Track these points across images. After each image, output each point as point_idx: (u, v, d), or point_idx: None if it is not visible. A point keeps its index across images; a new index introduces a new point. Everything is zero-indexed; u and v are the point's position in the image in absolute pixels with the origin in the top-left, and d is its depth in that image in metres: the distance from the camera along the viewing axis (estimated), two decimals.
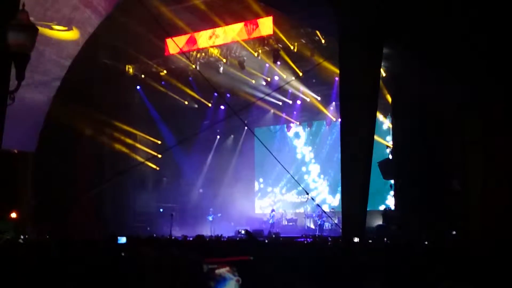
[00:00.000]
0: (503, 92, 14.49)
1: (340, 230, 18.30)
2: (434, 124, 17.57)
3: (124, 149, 25.52)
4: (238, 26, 21.80)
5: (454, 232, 14.45)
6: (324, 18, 14.18)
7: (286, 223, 26.23)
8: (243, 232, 14.65)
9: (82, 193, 22.63)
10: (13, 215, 21.08)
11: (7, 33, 6.76)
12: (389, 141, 22.63)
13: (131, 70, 25.25)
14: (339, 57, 14.43)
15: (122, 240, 9.38)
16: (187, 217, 25.18)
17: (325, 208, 24.37)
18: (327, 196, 26.53)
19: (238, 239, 15.39)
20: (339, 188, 25.13)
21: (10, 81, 7.63)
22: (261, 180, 29.08)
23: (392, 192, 21.30)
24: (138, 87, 26.16)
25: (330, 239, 14.37)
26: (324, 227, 23.36)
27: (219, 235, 15.09)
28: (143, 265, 6.70)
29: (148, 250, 7.54)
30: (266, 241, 14.11)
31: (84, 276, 6.79)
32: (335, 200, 25.83)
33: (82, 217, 21.68)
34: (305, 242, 12.03)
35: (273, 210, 26.52)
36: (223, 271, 4.41)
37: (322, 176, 27.11)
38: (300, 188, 26.75)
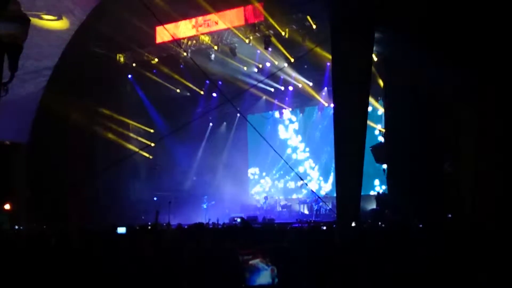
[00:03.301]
0: (496, 74, 14.52)
1: (335, 215, 18.48)
2: (426, 108, 17.60)
3: (117, 138, 25.48)
4: (228, 13, 21.72)
5: (449, 215, 14.53)
6: (316, 3, 14.16)
7: (280, 209, 26.31)
8: (238, 220, 14.69)
9: (75, 183, 22.63)
10: (7, 206, 21.07)
11: None
12: (381, 125, 22.68)
13: (122, 59, 25.10)
14: (331, 41, 14.38)
15: (122, 230, 9.34)
16: (182, 205, 25.16)
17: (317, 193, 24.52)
18: (320, 182, 26.58)
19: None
20: (332, 173, 25.82)
21: (2, 72, 7.59)
22: (254, 166, 29.13)
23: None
24: (129, 75, 26.06)
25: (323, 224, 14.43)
26: (320, 213, 23.48)
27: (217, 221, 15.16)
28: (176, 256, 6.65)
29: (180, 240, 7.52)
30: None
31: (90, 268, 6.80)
32: (327, 186, 26.03)
33: (76, 207, 21.70)
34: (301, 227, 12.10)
35: (266, 197, 26.67)
36: (257, 261, 4.39)
37: (314, 161, 27.19)
38: (292, 174, 26.99)
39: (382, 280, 7.19)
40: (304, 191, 26.65)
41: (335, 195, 23.63)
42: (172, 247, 7.32)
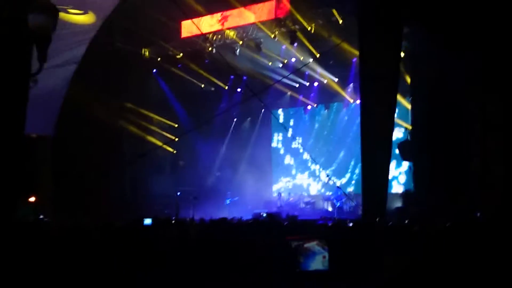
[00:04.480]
0: None
1: (359, 212, 18.32)
2: (454, 105, 17.32)
3: (141, 133, 25.61)
4: (255, 7, 21.64)
5: (478, 214, 14.27)
6: None
7: (303, 205, 26.15)
8: (265, 215, 14.64)
9: (99, 176, 22.77)
10: (32, 199, 21.23)
11: (28, 15, 6.71)
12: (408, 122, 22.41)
13: (147, 53, 25.23)
14: (358, 37, 14.22)
15: (148, 221, 9.39)
16: (204, 200, 25.20)
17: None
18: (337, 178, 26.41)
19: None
20: (349, 170, 25.73)
21: (31, 63, 7.62)
22: (278, 162, 29.07)
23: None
24: (154, 70, 26.15)
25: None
26: (343, 210, 23.30)
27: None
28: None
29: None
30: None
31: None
32: (342, 182, 25.91)
33: (99, 200, 21.83)
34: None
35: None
36: (313, 244, 4.26)
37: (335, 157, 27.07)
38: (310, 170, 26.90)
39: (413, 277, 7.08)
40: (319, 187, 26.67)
41: (350, 191, 23.96)
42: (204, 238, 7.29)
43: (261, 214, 17.79)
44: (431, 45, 17.44)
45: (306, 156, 27.25)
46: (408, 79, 20.35)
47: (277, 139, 29.12)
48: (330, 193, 25.34)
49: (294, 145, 28.04)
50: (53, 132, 22.84)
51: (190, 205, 22.37)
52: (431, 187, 17.95)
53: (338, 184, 23.93)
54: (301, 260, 4.31)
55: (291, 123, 28.57)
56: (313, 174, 27.69)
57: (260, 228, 8.21)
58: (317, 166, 26.69)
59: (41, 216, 16.00)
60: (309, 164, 27.65)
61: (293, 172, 28.48)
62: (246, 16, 21.77)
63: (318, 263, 4.48)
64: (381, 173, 14.07)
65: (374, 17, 13.49)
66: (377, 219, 11.61)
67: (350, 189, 25.21)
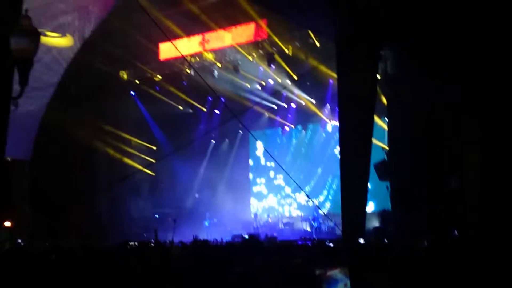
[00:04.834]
0: (501, 90, 14.55)
1: (337, 232, 18.36)
2: (430, 124, 17.57)
3: (119, 155, 25.47)
4: (232, 30, 21.81)
5: (455, 232, 14.44)
6: (322, 20, 14.20)
7: (282, 226, 26.18)
8: (247, 237, 14.64)
9: (77, 200, 22.54)
10: (7, 223, 20.89)
11: (10, 38, 6.72)
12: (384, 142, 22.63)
13: (125, 76, 25.18)
14: (336, 59, 14.42)
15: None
16: (183, 222, 25.07)
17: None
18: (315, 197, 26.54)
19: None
20: (327, 186, 25.87)
21: (12, 87, 7.60)
22: (256, 183, 29.10)
23: None
24: (132, 92, 26.11)
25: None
26: (321, 230, 23.38)
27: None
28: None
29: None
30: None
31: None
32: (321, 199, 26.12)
33: (77, 224, 21.60)
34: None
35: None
36: (335, 272, 4.29)
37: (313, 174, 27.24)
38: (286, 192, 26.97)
39: None
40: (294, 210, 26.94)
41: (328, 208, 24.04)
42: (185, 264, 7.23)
43: (243, 235, 17.77)
44: (407, 66, 17.75)
45: (285, 182, 27.35)
46: (384, 100, 20.61)
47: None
48: (304, 214, 25.54)
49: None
50: (30, 156, 22.59)
51: (168, 228, 22.19)
52: (408, 206, 18.09)
53: (316, 202, 24.02)
54: (324, 287, 4.34)
55: (269, 144, 28.64)
56: (291, 196, 27.75)
57: (261, 251, 8.16)
58: (297, 194, 26.81)
59: (19, 241, 15.78)
60: (288, 186, 27.74)
61: (272, 196, 28.56)
62: (226, 38, 21.91)
63: None
64: (360, 193, 14.21)
65: (352, 39, 13.72)
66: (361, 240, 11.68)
67: (328, 204, 25.44)
